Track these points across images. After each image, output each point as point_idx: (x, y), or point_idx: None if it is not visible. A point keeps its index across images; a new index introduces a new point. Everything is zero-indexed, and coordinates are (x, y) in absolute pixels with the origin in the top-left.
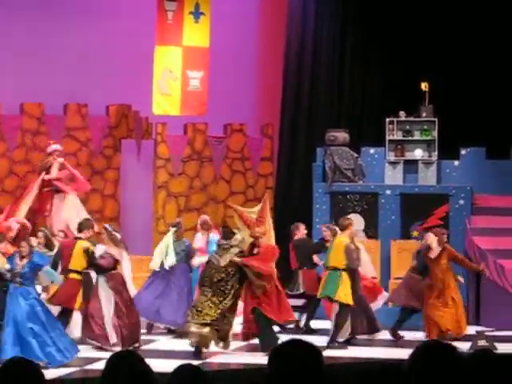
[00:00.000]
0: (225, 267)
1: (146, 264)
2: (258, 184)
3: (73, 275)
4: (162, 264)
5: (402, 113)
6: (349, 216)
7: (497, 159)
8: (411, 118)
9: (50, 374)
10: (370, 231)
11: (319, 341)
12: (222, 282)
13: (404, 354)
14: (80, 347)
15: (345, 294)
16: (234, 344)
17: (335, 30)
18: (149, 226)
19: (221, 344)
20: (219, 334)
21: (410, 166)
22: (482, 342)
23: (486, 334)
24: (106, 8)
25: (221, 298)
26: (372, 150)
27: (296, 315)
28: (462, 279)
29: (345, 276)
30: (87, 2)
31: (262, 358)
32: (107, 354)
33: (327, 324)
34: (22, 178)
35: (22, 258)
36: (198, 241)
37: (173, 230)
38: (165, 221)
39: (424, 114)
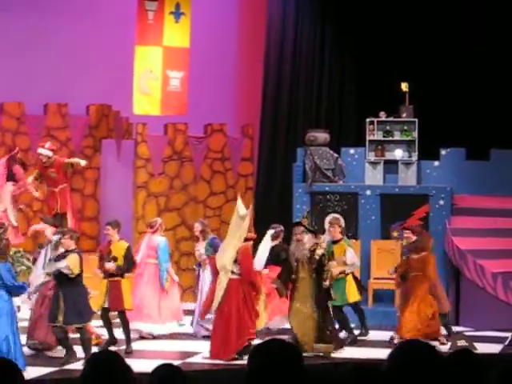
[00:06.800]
0: None
1: None
2: (239, 184)
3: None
4: None
5: (382, 113)
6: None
7: (477, 160)
8: (391, 119)
9: (29, 374)
10: (350, 231)
11: None
12: None
13: (383, 353)
14: (57, 348)
15: None
16: None
17: (315, 31)
18: (129, 226)
19: None
20: None
21: (390, 166)
22: (461, 342)
23: (466, 334)
24: (86, 7)
25: None
26: (352, 150)
27: None
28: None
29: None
30: (67, 1)
31: (243, 359)
32: None
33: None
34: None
35: None
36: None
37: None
38: (144, 221)
39: (404, 115)
